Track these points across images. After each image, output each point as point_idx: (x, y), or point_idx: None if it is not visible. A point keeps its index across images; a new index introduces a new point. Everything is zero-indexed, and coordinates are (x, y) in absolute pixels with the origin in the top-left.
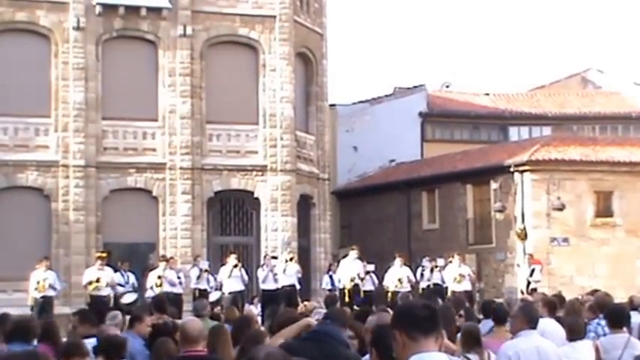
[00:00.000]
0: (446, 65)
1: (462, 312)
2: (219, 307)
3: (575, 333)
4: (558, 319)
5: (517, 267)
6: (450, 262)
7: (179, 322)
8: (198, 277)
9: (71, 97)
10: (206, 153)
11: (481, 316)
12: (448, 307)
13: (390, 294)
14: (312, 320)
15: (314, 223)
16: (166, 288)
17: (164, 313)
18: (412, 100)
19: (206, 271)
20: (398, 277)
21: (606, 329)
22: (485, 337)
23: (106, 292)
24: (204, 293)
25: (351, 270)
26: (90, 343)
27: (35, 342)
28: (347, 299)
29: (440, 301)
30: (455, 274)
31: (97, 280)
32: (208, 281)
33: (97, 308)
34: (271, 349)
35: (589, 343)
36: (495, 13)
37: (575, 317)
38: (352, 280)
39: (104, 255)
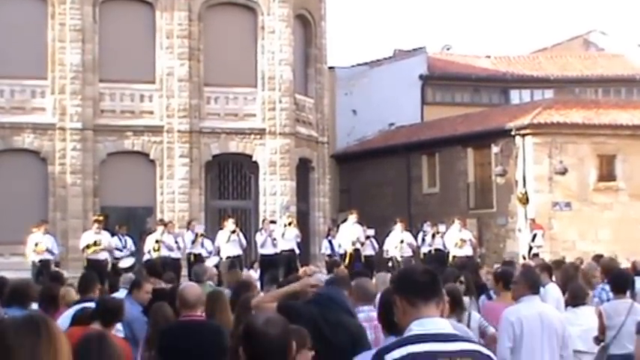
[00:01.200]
0: (447, 27)
1: (462, 278)
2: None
3: (577, 299)
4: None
5: (518, 232)
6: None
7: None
8: (193, 242)
9: (68, 59)
10: (204, 116)
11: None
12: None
13: (390, 259)
14: (312, 280)
15: (313, 187)
16: (164, 252)
17: (159, 278)
18: (412, 62)
19: (201, 235)
20: (399, 242)
21: (610, 294)
22: (490, 303)
23: (104, 255)
24: (199, 258)
25: (351, 234)
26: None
27: (34, 306)
28: (347, 264)
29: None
30: (456, 239)
31: (95, 244)
32: (203, 245)
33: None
34: (271, 315)
35: (591, 308)
36: None
37: (577, 283)
38: (353, 245)
39: (101, 218)
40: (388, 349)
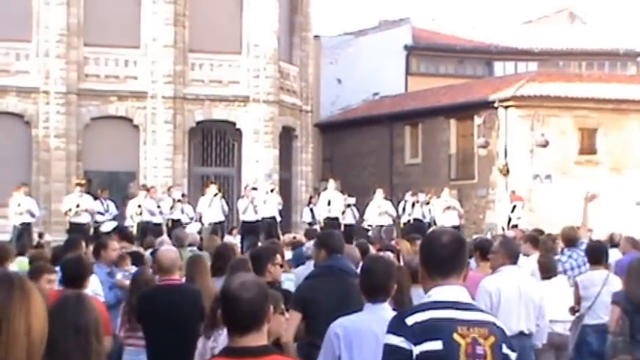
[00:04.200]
0: None
1: None
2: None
3: (547, 271)
4: None
5: (498, 203)
6: (438, 196)
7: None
8: (172, 207)
9: (53, 23)
10: (188, 82)
11: None
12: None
13: (370, 227)
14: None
15: (296, 156)
16: (146, 217)
17: (130, 243)
18: (397, 33)
19: (179, 200)
20: (378, 210)
21: (574, 264)
22: (470, 272)
23: (86, 219)
24: (177, 223)
25: (334, 202)
26: None
27: (11, 267)
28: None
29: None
30: (443, 207)
31: (77, 206)
32: (183, 211)
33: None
34: (248, 278)
35: (563, 278)
36: None
37: (547, 256)
38: (329, 212)
39: (83, 182)
40: (409, 312)
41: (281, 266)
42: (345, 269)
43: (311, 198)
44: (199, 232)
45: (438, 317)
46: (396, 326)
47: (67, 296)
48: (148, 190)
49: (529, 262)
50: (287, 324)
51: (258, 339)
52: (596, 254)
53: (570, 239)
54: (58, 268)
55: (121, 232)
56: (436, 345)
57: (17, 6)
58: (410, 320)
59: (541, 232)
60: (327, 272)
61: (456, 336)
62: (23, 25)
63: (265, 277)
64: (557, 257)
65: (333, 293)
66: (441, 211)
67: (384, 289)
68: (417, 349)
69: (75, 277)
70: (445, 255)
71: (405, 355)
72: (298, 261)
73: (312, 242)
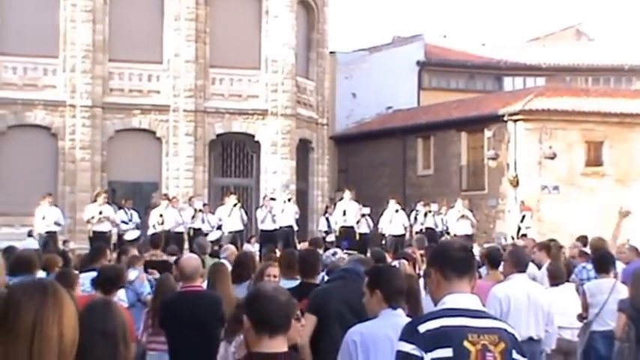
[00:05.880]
0: (444, 16)
1: None
2: (218, 246)
3: (556, 278)
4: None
5: (508, 213)
6: (451, 207)
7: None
8: (193, 217)
9: (79, 39)
10: (209, 96)
11: None
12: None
13: (384, 236)
14: None
15: (312, 167)
16: (168, 226)
17: (158, 250)
18: (410, 49)
19: (200, 210)
20: (390, 220)
21: (590, 273)
22: (478, 281)
23: (107, 227)
24: (198, 232)
25: (349, 212)
26: (89, 276)
27: (39, 274)
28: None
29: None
30: (457, 216)
31: (100, 213)
32: (204, 221)
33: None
34: (274, 284)
35: (571, 286)
36: None
37: (555, 263)
38: (344, 222)
39: (104, 192)
40: (421, 320)
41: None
42: (360, 273)
43: (327, 208)
44: (219, 240)
45: (449, 325)
46: (408, 334)
47: (95, 302)
48: (169, 199)
49: (544, 271)
50: (303, 328)
51: (283, 344)
52: (603, 263)
53: (599, 249)
54: (82, 275)
55: (152, 241)
56: (447, 352)
57: (45, 23)
58: (422, 328)
59: (552, 241)
60: (342, 276)
61: (466, 343)
62: (51, 41)
63: (314, 279)
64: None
65: (345, 295)
66: (455, 220)
67: (401, 296)
68: (428, 357)
69: (111, 282)
70: (460, 257)
71: None
72: None
73: (331, 251)
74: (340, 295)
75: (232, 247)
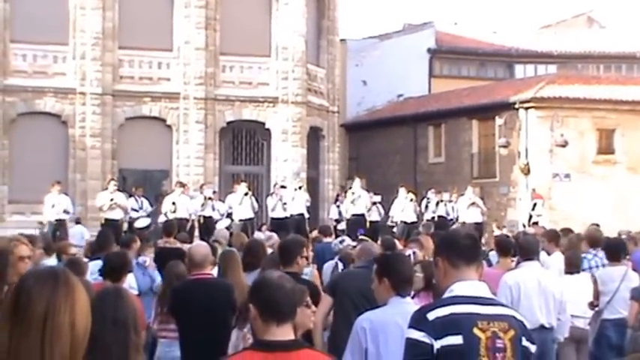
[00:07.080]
0: (454, 3)
1: None
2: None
3: (572, 266)
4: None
5: (519, 201)
6: (461, 194)
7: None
8: (203, 205)
9: (89, 26)
10: (219, 84)
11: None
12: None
13: (395, 224)
14: None
15: (323, 155)
16: (180, 214)
17: (171, 237)
18: (421, 36)
19: (210, 198)
20: (403, 207)
21: (599, 262)
22: (488, 269)
23: (119, 215)
24: (208, 220)
25: (360, 199)
26: (98, 264)
27: (51, 261)
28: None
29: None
30: (467, 203)
31: (111, 200)
32: (213, 208)
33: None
34: (280, 273)
35: (586, 275)
36: None
37: (573, 251)
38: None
39: (114, 180)
40: (431, 307)
41: (307, 259)
42: None
43: (338, 196)
44: (229, 228)
45: (459, 312)
46: (418, 321)
47: (106, 290)
48: (183, 186)
49: (552, 260)
50: (318, 308)
51: (290, 332)
52: (615, 250)
53: (595, 240)
54: (91, 264)
55: (166, 229)
56: (456, 339)
57: (55, 11)
58: (431, 315)
59: (570, 231)
60: (367, 266)
61: (476, 330)
62: (60, 29)
63: (293, 267)
64: (582, 255)
65: (365, 282)
66: (465, 207)
67: (409, 284)
68: (437, 344)
69: (117, 270)
70: (467, 244)
71: (426, 349)
72: (319, 256)
73: (339, 239)
74: (359, 282)
75: (275, 236)
